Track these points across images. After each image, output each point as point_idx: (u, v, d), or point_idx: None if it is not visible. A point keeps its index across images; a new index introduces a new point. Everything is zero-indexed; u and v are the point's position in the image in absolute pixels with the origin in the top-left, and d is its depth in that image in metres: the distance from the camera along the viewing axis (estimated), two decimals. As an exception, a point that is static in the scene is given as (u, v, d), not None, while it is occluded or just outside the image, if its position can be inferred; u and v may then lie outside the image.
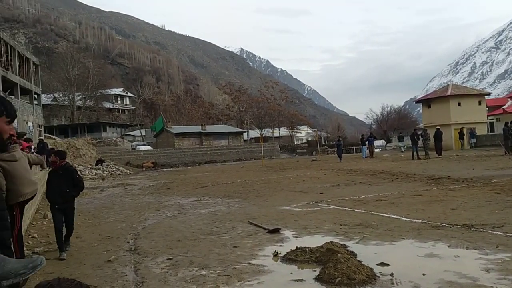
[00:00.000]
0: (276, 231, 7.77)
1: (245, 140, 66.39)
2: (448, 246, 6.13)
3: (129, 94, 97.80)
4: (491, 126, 45.71)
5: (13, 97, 31.73)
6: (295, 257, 5.86)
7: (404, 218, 8.27)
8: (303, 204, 10.97)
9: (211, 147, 54.42)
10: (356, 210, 9.59)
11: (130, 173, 33.46)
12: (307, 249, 6.00)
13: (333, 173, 19.91)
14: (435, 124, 33.87)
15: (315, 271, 5.29)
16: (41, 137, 33.36)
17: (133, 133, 77.73)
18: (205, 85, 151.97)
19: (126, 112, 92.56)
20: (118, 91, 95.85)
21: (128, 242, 7.87)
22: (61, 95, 72.71)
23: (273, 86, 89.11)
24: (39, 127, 39.67)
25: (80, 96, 73.12)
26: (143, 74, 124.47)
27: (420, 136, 27.81)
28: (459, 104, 37.66)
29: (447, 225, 7.39)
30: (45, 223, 10.47)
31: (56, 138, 46.12)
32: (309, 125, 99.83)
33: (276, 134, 79.73)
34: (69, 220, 7.21)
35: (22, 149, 6.34)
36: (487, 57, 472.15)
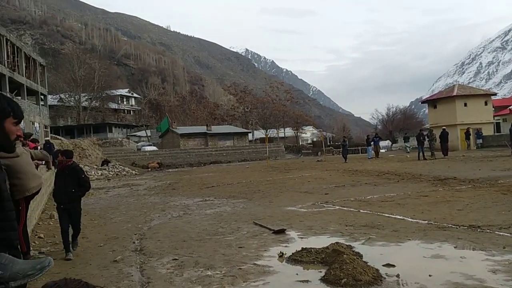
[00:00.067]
0: (281, 231, 7.76)
1: (250, 141, 66.41)
2: (455, 247, 6.10)
3: (135, 95, 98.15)
4: (497, 126, 45.45)
5: (19, 98, 31.92)
6: (301, 258, 5.85)
7: (410, 219, 8.24)
8: (308, 205, 10.95)
9: (216, 148, 54.47)
10: (361, 211, 9.56)
11: (135, 174, 33.55)
12: (312, 250, 5.98)
13: (339, 174, 19.86)
14: (441, 124, 33.72)
15: (320, 272, 5.28)
16: (47, 138, 33.56)
17: (138, 133, 77.98)
18: (210, 86, 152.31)
19: (131, 113, 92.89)
20: (123, 92, 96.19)
21: (134, 243, 7.89)
22: (67, 96, 73.08)
23: (278, 86, 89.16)
24: (46, 128, 39.87)
25: (86, 97, 73.48)
26: (149, 75, 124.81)
27: (426, 137, 27.69)
28: (465, 105, 37.48)
29: (453, 226, 7.35)
30: (52, 223, 10.51)
31: (62, 138, 46.35)
32: (314, 125, 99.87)
33: (281, 135, 79.75)
34: (75, 220, 7.13)
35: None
36: (493, 57, 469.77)
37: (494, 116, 42.63)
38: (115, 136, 69.45)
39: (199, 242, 7.46)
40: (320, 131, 77.36)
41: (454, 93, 37.96)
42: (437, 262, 5.45)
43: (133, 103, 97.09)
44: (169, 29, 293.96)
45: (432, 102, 41.05)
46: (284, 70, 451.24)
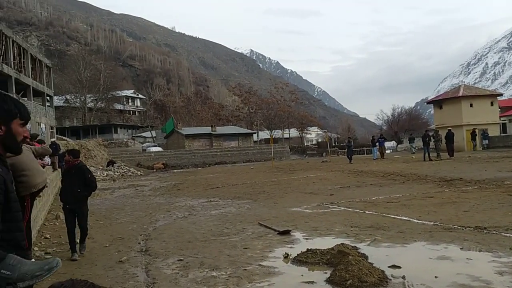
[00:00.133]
0: (286, 232, 7.75)
1: (255, 142, 66.41)
2: (461, 248, 6.07)
3: (140, 95, 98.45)
4: (503, 127, 45.19)
5: (26, 99, 32.09)
6: (306, 259, 5.85)
7: (415, 220, 8.21)
8: (313, 206, 10.94)
9: (221, 149, 54.51)
10: (367, 212, 9.54)
11: (140, 174, 33.64)
12: (317, 251, 5.98)
13: (344, 175, 19.82)
14: (446, 125, 33.57)
15: (326, 273, 5.27)
16: (53, 139, 33.72)
17: (143, 134, 78.15)
18: (215, 87, 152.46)
19: (137, 114, 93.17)
20: (129, 92, 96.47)
21: (139, 243, 7.91)
22: (73, 97, 73.39)
23: (283, 87, 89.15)
24: (52, 129, 40.07)
25: (92, 98, 73.75)
26: (154, 76, 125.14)
27: (431, 137, 27.58)
28: (471, 105, 37.30)
29: (459, 227, 7.32)
30: (57, 224, 10.56)
31: (68, 139, 46.56)
32: (319, 126, 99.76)
33: (286, 136, 79.67)
34: (82, 220, 7.08)
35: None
36: (499, 58, 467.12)
37: (500, 116, 42.38)
38: (121, 137, 69.67)
39: (204, 243, 7.47)
40: (325, 131, 77.25)
41: (460, 94, 37.79)
42: (443, 264, 5.42)
43: (138, 104, 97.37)
44: (174, 30, 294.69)
45: (438, 102, 40.88)
46: (289, 71, 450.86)
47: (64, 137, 49.94)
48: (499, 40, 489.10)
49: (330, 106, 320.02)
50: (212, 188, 17.68)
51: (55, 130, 43.20)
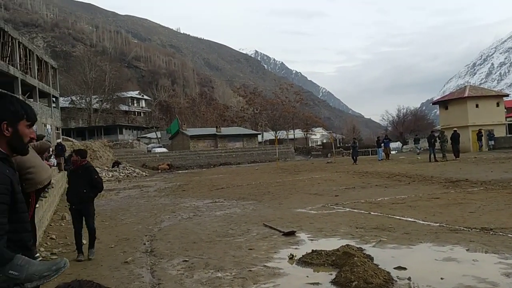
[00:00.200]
0: (291, 233, 7.74)
1: (259, 142, 66.42)
2: (467, 250, 6.04)
3: (145, 97, 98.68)
4: (509, 128, 44.85)
5: (32, 100, 32.27)
6: (311, 260, 5.84)
7: (421, 222, 8.17)
8: (318, 207, 10.92)
9: (225, 149, 54.58)
10: (372, 213, 9.51)
11: (146, 175, 33.72)
12: (323, 252, 5.97)
13: (349, 176, 19.77)
14: (452, 126, 33.41)
15: (331, 274, 5.26)
16: (59, 140, 33.86)
17: (148, 135, 78.39)
18: (219, 88, 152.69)
19: (142, 115, 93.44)
20: (134, 94, 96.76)
21: (145, 244, 7.93)
22: (78, 98, 73.74)
23: (288, 88, 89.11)
24: (57, 130, 40.26)
25: (97, 99, 74.09)
26: (159, 77, 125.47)
27: (437, 138, 27.46)
28: (477, 106, 37.11)
29: (465, 229, 7.28)
30: (63, 224, 10.61)
31: (73, 140, 46.75)
32: (324, 127, 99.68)
33: (291, 136, 79.64)
34: (89, 221, 7.02)
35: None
36: (506, 58, 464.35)
37: (506, 117, 42.12)
38: (126, 138, 69.90)
39: (209, 244, 7.48)
40: (330, 132, 77.03)
41: (466, 94, 37.62)
42: (449, 265, 5.40)
43: (144, 105, 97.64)
44: (179, 31, 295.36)
45: (443, 103, 40.71)
46: (294, 71, 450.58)
47: (69, 138, 50.14)
48: (505, 41, 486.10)
49: (335, 107, 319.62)
50: (217, 189, 17.69)
51: (60, 131, 43.41)
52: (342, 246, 6.07)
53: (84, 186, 6.91)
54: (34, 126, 2.24)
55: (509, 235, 6.67)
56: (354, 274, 4.86)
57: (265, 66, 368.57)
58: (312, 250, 6.15)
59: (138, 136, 76.90)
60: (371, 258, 5.69)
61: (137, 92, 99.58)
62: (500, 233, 6.80)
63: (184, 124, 61.77)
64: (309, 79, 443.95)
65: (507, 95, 47.16)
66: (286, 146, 61.21)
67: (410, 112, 71.03)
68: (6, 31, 28.40)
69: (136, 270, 6.13)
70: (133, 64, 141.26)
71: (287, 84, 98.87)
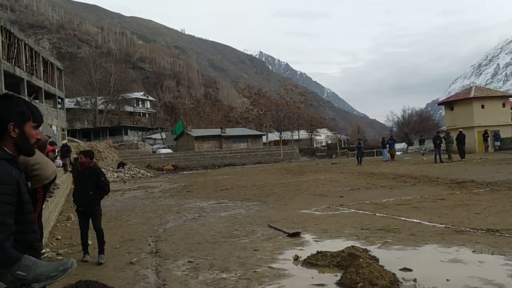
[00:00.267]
0: (296, 234, 7.73)
1: (264, 143, 66.40)
2: (473, 251, 6.01)
3: (150, 98, 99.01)
4: (515, 128, 44.62)
5: (37, 101, 32.43)
6: (316, 261, 5.82)
7: (427, 223, 8.14)
8: (323, 208, 10.89)
9: (230, 150, 54.61)
10: (377, 214, 9.48)
11: (150, 176, 33.80)
12: (328, 253, 5.95)
13: (354, 177, 19.72)
14: (458, 126, 33.26)
15: (336, 275, 5.25)
16: (64, 141, 34.00)
17: (153, 136, 78.61)
18: (224, 89, 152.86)
19: (147, 116, 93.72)
20: (139, 95, 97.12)
21: (150, 245, 7.94)
22: (83, 99, 74.08)
23: (292, 89, 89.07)
24: (63, 131, 40.43)
25: (102, 100, 74.39)
26: (164, 78, 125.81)
27: (443, 139, 27.34)
28: (483, 107, 36.96)
29: (471, 230, 7.24)
30: (69, 225, 10.65)
31: (79, 141, 46.91)
32: (328, 128, 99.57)
33: (296, 137, 79.60)
34: (96, 222, 6.96)
35: (47, 153, 6.47)
36: (511, 59, 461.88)
37: (512, 118, 41.94)
38: (131, 139, 70.07)
39: (214, 245, 7.48)
40: (335, 133, 76.87)
41: (471, 95, 37.45)
42: (455, 267, 5.37)
43: (149, 106, 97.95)
44: (183, 32, 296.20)
45: (449, 104, 40.55)
46: (298, 72, 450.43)
47: (75, 139, 50.33)
48: (510, 41, 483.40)
49: (339, 107, 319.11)
50: (221, 190, 17.69)
51: (66, 132, 43.58)
52: (347, 247, 6.05)
53: (91, 188, 6.87)
54: (40, 127, 2.25)
55: (516, 236, 6.62)
56: (359, 275, 4.84)
57: (270, 67, 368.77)
58: (317, 251, 6.14)
59: (143, 137, 77.10)
60: (377, 260, 5.67)
61: (142, 93, 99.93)
62: (507, 235, 6.75)
63: (188, 125, 61.92)
64: (314, 80, 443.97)
65: (513, 96, 46.89)
66: (291, 147, 61.15)
67: (416, 113, 70.80)
68: (12, 32, 28.54)
69: (141, 271, 6.15)
70: (138, 65, 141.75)
71: (292, 85, 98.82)
